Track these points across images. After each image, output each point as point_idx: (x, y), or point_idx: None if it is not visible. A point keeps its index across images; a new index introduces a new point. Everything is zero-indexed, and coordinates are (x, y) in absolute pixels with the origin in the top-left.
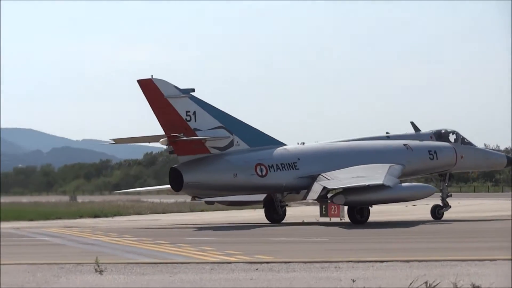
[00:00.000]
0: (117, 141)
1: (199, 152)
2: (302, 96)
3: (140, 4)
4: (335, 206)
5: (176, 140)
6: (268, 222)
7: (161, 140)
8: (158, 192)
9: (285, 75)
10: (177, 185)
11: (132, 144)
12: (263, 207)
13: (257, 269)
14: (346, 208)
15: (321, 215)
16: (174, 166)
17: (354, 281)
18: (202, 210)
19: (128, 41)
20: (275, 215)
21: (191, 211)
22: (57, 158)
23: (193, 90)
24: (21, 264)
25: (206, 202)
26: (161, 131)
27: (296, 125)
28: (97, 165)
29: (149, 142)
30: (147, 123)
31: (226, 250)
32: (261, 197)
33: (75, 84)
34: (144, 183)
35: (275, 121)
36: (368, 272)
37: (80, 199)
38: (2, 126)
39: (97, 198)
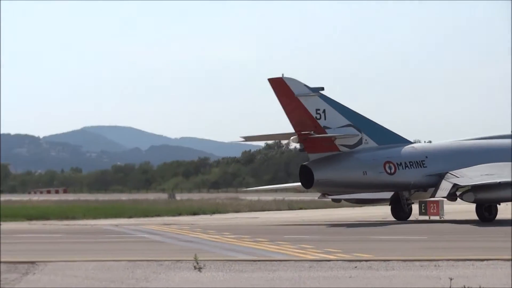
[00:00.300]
0: (247, 138)
1: (329, 150)
2: (422, 94)
3: (251, 4)
4: (435, 205)
5: (307, 138)
6: (394, 219)
7: (291, 138)
8: (287, 189)
9: (402, 74)
10: (307, 182)
11: (229, 142)
12: (389, 204)
13: (356, 267)
14: (445, 206)
15: (420, 213)
16: (304, 163)
17: (451, 279)
18: (301, 208)
19: (229, 38)
20: (401, 212)
21: (290, 209)
22: (156, 156)
23: (322, 88)
24: (120, 260)
25: (333, 199)
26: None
27: (417, 123)
28: (196, 163)
29: (280, 139)
30: (246, 121)
31: (325, 248)
32: (388, 194)
33: (172, 82)
34: (242, 181)
35: (395, 119)
36: (468, 270)
37: (178, 196)
38: (101, 124)
39: (195, 196)
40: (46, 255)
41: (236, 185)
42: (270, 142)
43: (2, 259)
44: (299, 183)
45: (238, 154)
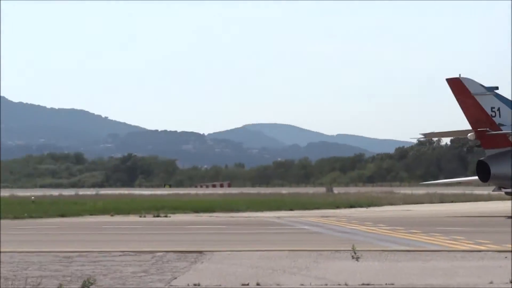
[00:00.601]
0: (426, 135)
1: (504, 146)
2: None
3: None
4: None
5: (485, 135)
6: None
7: (469, 134)
8: (463, 183)
9: None
10: (484, 176)
11: (383, 138)
12: None
13: (506, 257)
14: None
15: None
16: (481, 159)
17: None
18: (452, 201)
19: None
20: None
21: (441, 202)
22: (314, 152)
23: (497, 88)
24: (282, 250)
25: (506, 193)
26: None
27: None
28: (352, 159)
29: (457, 136)
30: (396, 119)
31: (476, 239)
32: None
33: (329, 81)
34: (396, 176)
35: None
36: None
37: (336, 190)
38: (261, 122)
39: (352, 190)
40: (212, 245)
41: (390, 179)
42: (422, 139)
43: (170, 248)
44: (476, 177)
45: (391, 150)
